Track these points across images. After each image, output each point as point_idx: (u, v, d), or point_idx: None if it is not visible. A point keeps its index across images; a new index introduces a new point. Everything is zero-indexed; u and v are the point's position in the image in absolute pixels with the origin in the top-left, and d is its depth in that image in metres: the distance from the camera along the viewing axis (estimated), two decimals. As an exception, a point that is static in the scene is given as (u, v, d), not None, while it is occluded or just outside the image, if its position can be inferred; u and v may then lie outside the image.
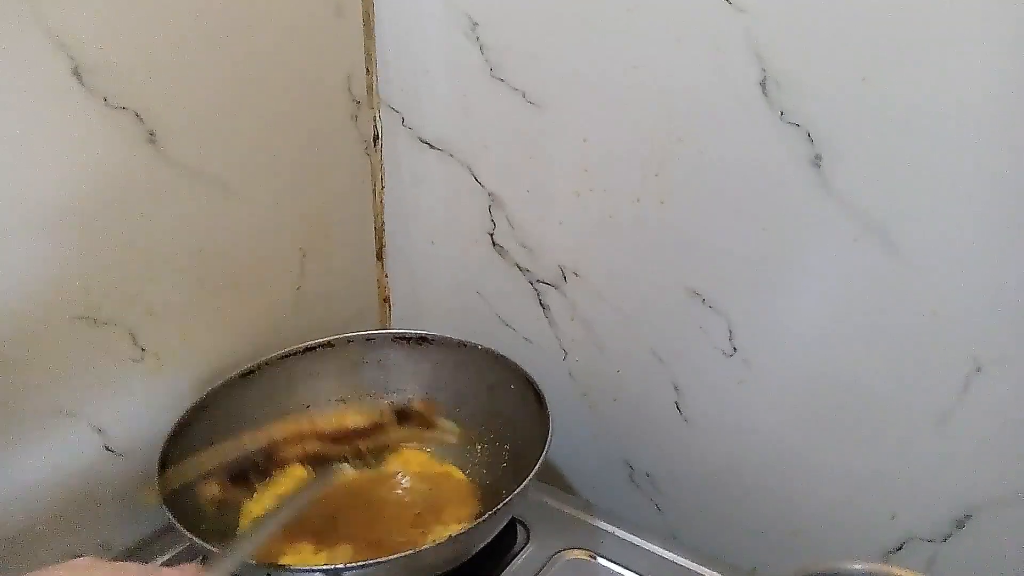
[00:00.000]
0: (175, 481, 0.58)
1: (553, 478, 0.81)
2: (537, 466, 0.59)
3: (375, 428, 0.58)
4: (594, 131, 0.66)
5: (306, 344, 0.75)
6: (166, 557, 0.66)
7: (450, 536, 0.56)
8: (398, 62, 0.77)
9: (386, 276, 0.89)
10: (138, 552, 0.67)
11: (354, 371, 0.78)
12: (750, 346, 0.65)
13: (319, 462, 0.58)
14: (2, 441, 0.57)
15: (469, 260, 0.80)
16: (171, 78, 0.61)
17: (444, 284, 0.84)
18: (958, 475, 0.59)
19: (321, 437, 0.57)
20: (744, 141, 0.59)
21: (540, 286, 0.76)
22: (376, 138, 0.81)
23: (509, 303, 0.79)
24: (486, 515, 0.57)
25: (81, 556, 0.42)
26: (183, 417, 0.64)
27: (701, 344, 0.67)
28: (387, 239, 0.86)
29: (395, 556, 0.52)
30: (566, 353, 0.77)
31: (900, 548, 0.63)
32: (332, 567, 0.53)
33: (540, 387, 0.68)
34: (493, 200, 0.75)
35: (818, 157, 0.56)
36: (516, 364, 0.71)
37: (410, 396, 0.78)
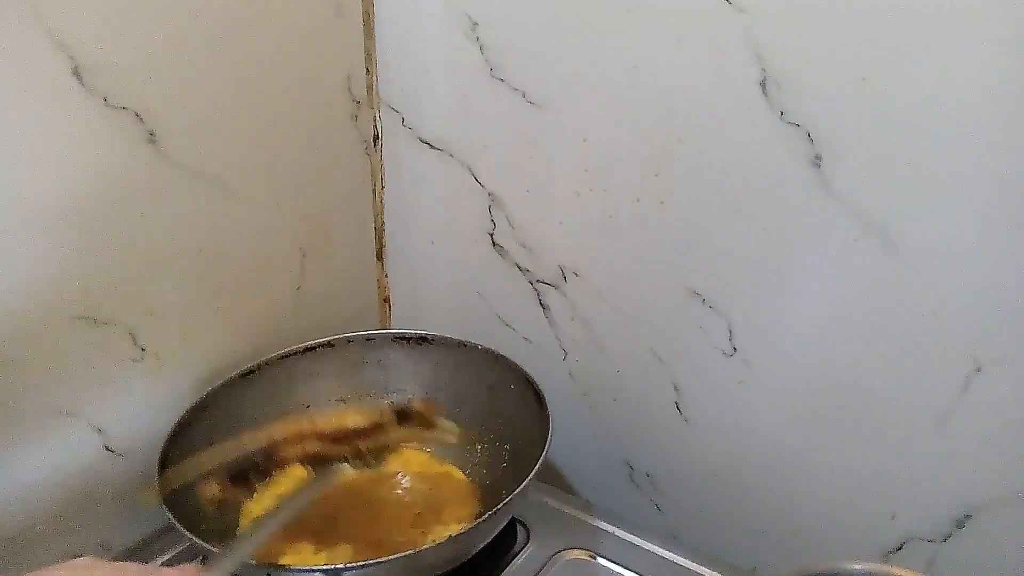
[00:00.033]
0: (175, 481, 0.58)
1: (553, 478, 0.81)
2: (537, 466, 0.59)
3: (375, 428, 0.58)
4: (594, 131, 0.66)
5: (306, 344, 0.75)
6: (166, 557, 0.66)
7: (450, 536, 0.56)
8: (398, 62, 0.77)
9: (386, 276, 0.89)
10: (138, 552, 0.67)
11: (354, 371, 0.78)
12: (750, 346, 0.65)
13: (319, 462, 0.58)
14: (2, 441, 0.57)
15: (469, 260, 0.80)
16: (171, 78, 0.61)
17: (444, 284, 0.84)
18: (958, 475, 0.59)
19: (321, 437, 0.57)
20: (744, 141, 0.59)
21: (540, 286, 0.76)
22: (376, 138, 0.81)
23: (509, 303, 0.79)
24: (486, 515, 0.57)
25: (81, 556, 0.42)
26: (183, 417, 0.64)
27: (701, 344, 0.67)
28: (387, 239, 0.86)
29: (395, 556, 0.52)
30: (566, 353, 0.77)
31: (900, 548, 0.63)
32: (332, 567, 0.53)
33: (540, 387, 0.68)
34: (493, 200, 0.75)
35: (818, 157, 0.56)
36: (516, 364, 0.71)
37: (410, 396, 0.78)
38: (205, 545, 0.53)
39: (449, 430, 0.60)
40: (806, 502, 0.67)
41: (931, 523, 0.61)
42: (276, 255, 0.75)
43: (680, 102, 0.61)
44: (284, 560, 0.61)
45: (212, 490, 0.55)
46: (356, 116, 0.78)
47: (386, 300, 0.90)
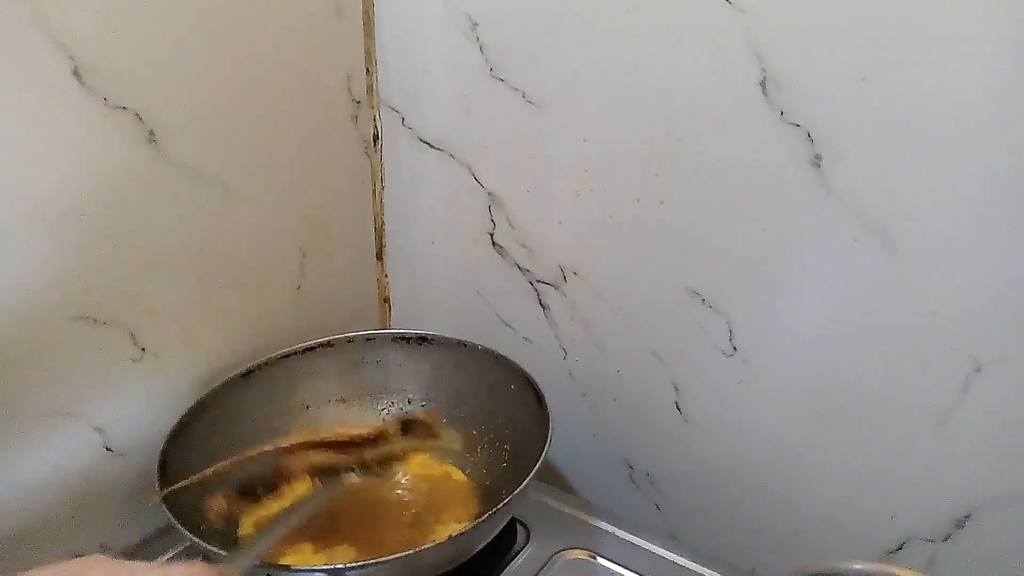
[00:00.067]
0: (175, 481, 0.58)
1: (553, 478, 0.81)
2: (537, 466, 0.59)
3: (380, 439, 0.59)
4: (594, 131, 0.66)
5: (306, 344, 0.75)
6: (166, 557, 0.66)
7: (450, 536, 0.56)
8: (398, 62, 0.77)
9: (386, 276, 0.89)
10: (138, 552, 0.67)
11: (354, 371, 0.78)
12: (750, 346, 0.65)
13: (326, 473, 0.58)
14: (2, 441, 0.57)
15: (469, 260, 0.80)
16: (171, 78, 0.61)
17: (444, 284, 0.84)
18: (958, 475, 0.59)
19: (326, 447, 0.58)
20: (744, 141, 0.59)
21: (540, 286, 0.76)
22: (376, 138, 0.81)
23: (509, 303, 0.79)
24: (486, 515, 0.57)
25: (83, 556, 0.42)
26: (183, 417, 0.64)
27: (701, 344, 0.67)
28: (387, 239, 0.86)
29: (395, 556, 0.52)
30: (566, 353, 0.77)
31: (900, 548, 0.63)
32: (332, 567, 0.53)
33: (540, 387, 0.68)
34: (493, 200, 0.75)
35: (818, 157, 0.56)
36: (516, 364, 0.71)
37: (410, 396, 0.78)
38: (205, 545, 0.53)
39: (453, 439, 0.61)
40: (806, 502, 0.67)
41: (931, 523, 0.61)
42: (276, 255, 0.75)
43: (680, 102, 0.61)
44: (284, 560, 0.61)
45: (219, 504, 0.56)
46: (356, 116, 0.78)
47: (386, 300, 0.90)
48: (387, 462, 0.60)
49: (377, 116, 0.80)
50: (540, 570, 0.65)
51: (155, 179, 0.62)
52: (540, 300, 0.77)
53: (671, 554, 0.67)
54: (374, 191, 0.84)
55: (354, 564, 0.54)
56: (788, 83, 0.55)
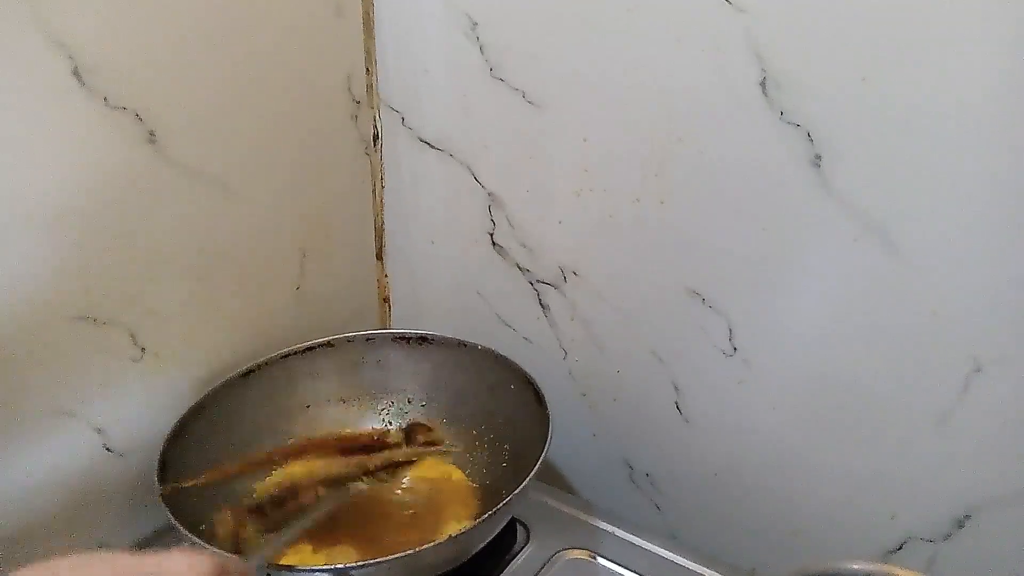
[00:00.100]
0: (175, 481, 0.58)
1: (553, 478, 0.81)
2: (537, 466, 0.59)
3: (383, 446, 0.59)
4: (594, 131, 0.66)
5: (306, 344, 0.75)
6: (166, 557, 0.66)
7: (450, 536, 0.56)
8: (398, 62, 0.77)
9: (386, 276, 0.89)
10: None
11: (354, 371, 0.78)
12: (750, 346, 0.65)
13: (334, 485, 0.59)
14: (2, 441, 0.57)
15: (469, 260, 0.80)
16: (171, 78, 0.61)
17: (444, 284, 0.84)
18: (958, 475, 0.59)
19: (332, 452, 0.58)
20: (744, 141, 0.59)
21: (540, 286, 0.76)
22: (376, 138, 0.81)
23: (509, 303, 0.79)
24: (486, 515, 0.57)
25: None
26: (183, 417, 0.64)
27: (701, 344, 0.67)
28: (387, 239, 0.86)
29: (395, 556, 0.52)
30: (566, 353, 0.77)
31: (900, 548, 0.63)
32: (333, 567, 0.53)
33: (540, 387, 0.68)
34: (493, 200, 0.75)
35: (818, 157, 0.56)
36: (516, 364, 0.71)
37: (410, 396, 0.78)
38: (205, 545, 0.53)
39: (455, 445, 0.61)
40: (806, 502, 0.67)
41: (931, 523, 0.61)
42: (276, 255, 0.75)
43: (680, 102, 0.61)
44: (284, 560, 0.61)
45: (227, 521, 0.56)
46: (356, 116, 0.78)
47: (386, 300, 0.90)
48: (392, 469, 0.60)
49: (377, 116, 0.80)
50: (540, 570, 0.65)
51: (155, 179, 0.62)
52: (540, 300, 0.77)
53: (671, 554, 0.67)
54: (374, 191, 0.84)
55: (354, 564, 0.54)
56: (788, 83, 0.55)
